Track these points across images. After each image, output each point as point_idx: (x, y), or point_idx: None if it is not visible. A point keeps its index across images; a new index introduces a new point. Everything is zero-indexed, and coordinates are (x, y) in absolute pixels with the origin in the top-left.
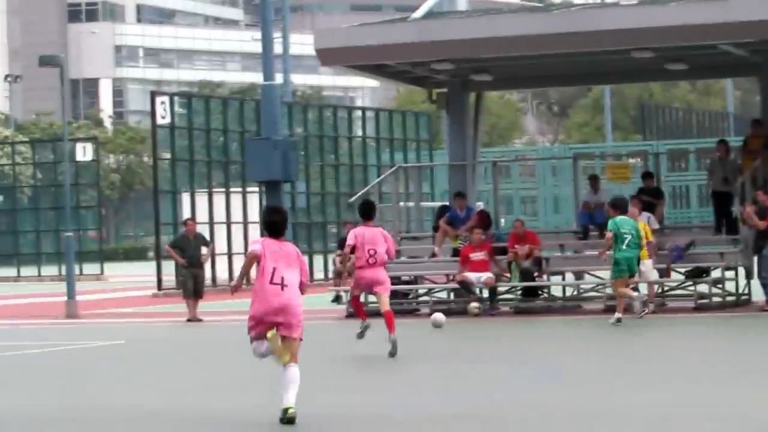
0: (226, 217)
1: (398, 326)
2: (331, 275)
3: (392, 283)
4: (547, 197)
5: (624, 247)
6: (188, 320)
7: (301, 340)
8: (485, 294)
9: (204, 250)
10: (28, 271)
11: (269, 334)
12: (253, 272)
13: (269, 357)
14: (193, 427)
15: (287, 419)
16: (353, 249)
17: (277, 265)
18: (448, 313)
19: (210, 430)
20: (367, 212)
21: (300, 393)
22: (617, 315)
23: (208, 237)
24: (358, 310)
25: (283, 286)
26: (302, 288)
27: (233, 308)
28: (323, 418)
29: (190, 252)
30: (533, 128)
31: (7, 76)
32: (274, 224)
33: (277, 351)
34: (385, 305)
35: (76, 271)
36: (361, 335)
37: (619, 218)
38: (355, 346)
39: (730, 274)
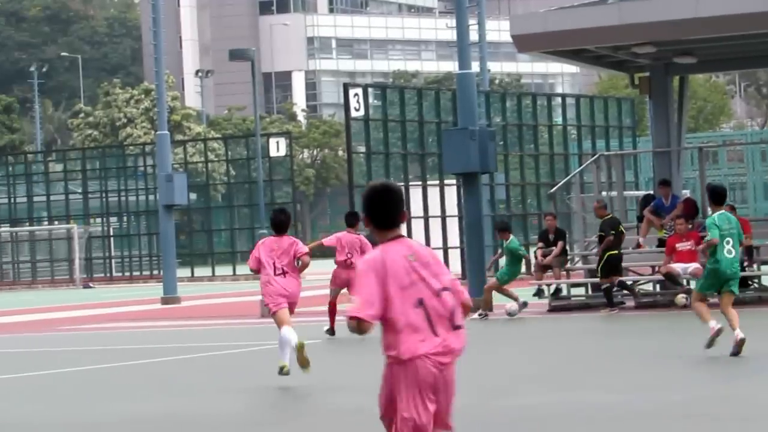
0: (424, 211)
1: (600, 320)
2: (533, 269)
3: (595, 275)
4: (757, 183)
5: None
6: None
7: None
8: (692, 285)
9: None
10: (222, 270)
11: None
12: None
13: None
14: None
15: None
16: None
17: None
18: (654, 305)
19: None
20: (349, 221)
21: (507, 388)
22: None
23: (404, 232)
24: (331, 317)
25: (284, 273)
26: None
27: None
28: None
29: None
30: (741, 111)
31: (198, 72)
32: (280, 223)
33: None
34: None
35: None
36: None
37: None
38: (556, 341)
39: None
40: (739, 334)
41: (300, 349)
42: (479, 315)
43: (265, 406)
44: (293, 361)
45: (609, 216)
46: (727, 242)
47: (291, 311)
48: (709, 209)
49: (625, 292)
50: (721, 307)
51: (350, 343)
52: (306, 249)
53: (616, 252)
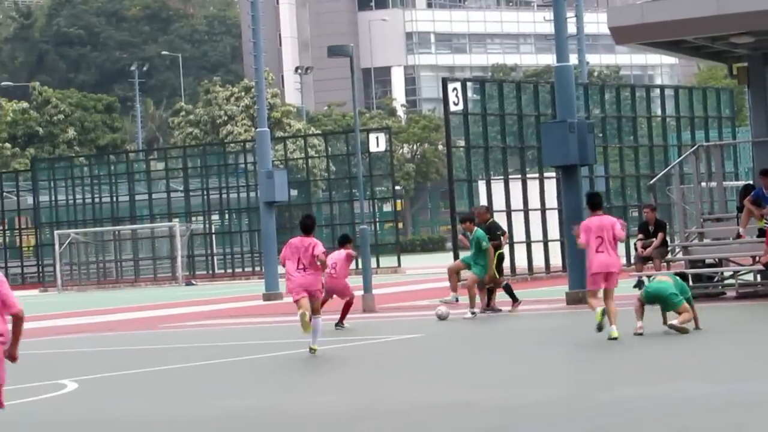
0: (524, 204)
1: (703, 311)
2: (633, 260)
3: (696, 266)
4: None
5: None
6: (483, 310)
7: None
8: None
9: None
10: None
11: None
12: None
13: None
14: (491, 419)
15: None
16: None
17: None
18: (754, 296)
19: (507, 420)
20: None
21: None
22: None
23: (504, 225)
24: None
25: (304, 269)
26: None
27: (535, 297)
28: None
29: None
30: None
31: (297, 68)
32: (306, 226)
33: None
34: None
35: (373, 264)
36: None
37: None
38: (657, 333)
39: None
40: None
41: (303, 317)
42: (472, 314)
43: (362, 401)
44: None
45: (491, 220)
46: None
47: (315, 298)
48: None
49: (727, 281)
50: None
51: (447, 341)
52: (323, 249)
53: (502, 251)
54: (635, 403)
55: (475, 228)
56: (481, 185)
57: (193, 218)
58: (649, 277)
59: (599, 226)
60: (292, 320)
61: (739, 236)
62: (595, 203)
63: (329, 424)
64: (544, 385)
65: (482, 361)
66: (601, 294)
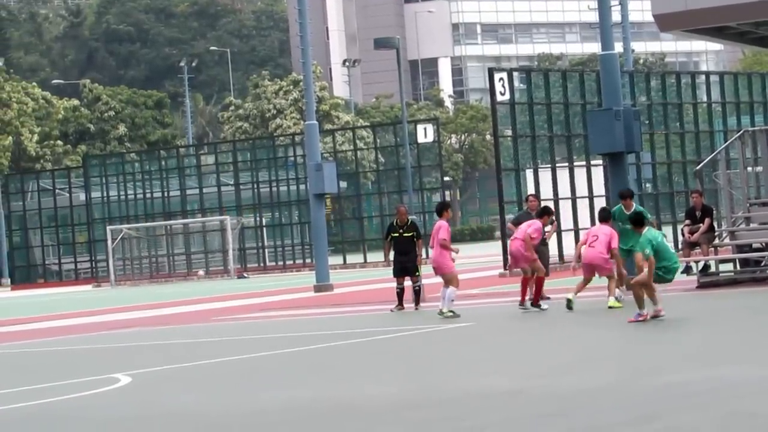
0: (571, 192)
1: (750, 295)
2: (680, 246)
3: (743, 251)
4: None
5: None
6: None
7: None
8: None
9: (548, 227)
10: (374, 256)
11: None
12: None
13: None
14: (545, 406)
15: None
16: None
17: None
18: None
19: (561, 407)
20: None
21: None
22: None
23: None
24: None
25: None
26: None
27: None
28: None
29: None
30: None
31: (345, 61)
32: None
33: None
34: None
35: (423, 254)
36: None
37: None
38: (706, 318)
39: None
40: None
41: None
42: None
43: (415, 390)
44: None
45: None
46: None
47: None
48: None
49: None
50: None
51: (498, 329)
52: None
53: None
54: (685, 388)
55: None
56: (529, 174)
57: (244, 211)
58: (696, 263)
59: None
60: (343, 311)
61: None
62: (603, 217)
63: (383, 413)
64: (595, 370)
65: (533, 348)
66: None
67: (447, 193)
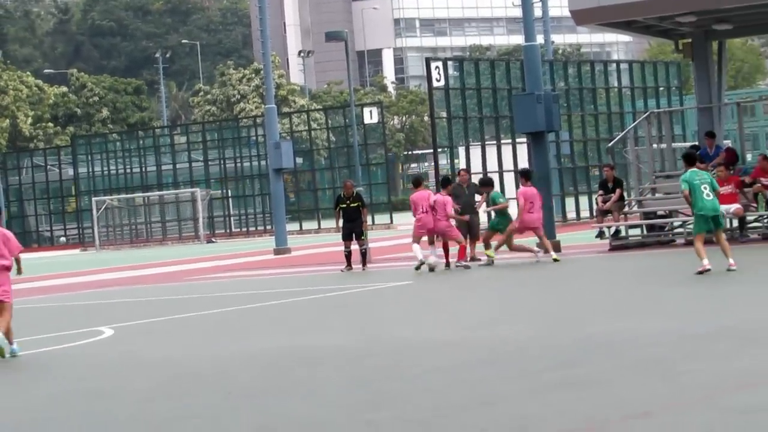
0: (498, 167)
1: (655, 256)
2: (594, 213)
3: (649, 218)
4: None
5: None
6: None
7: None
8: (734, 223)
9: (477, 197)
10: (327, 223)
11: None
12: None
13: None
14: (478, 354)
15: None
16: None
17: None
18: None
19: (493, 355)
20: None
21: (577, 318)
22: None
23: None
24: None
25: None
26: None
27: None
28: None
29: (463, 199)
30: None
31: (300, 52)
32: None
33: None
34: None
35: (369, 221)
36: None
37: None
38: (617, 276)
39: None
40: (732, 262)
41: None
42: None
43: (365, 340)
44: None
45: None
46: (704, 188)
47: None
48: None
49: (676, 230)
50: (718, 242)
51: (436, 286)
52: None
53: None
54: (601, 338)
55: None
56: (461, 151)
57: (212, 184)
58: (609, 228)
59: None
60: (299, 271)
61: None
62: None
63: (334, 361)
64: (522, 323)
65: (468, 304)
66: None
67: (389, 166)
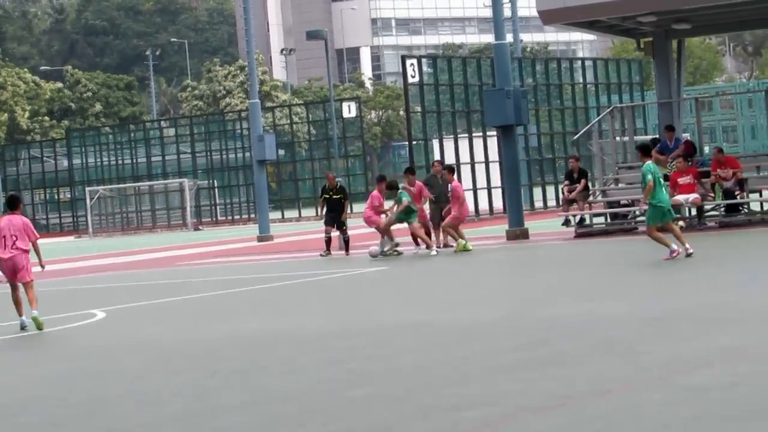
0: (470, 158)
1: (618, 243)
2: (561, 203)
3: (613, 207)
4: (745, 126)
5: None
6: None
7: None
8: (693, 212)
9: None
10: (308, 212)
11: None
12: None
13: None
14: (449, 335)
15: None
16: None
17: None
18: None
19: (462, 335)
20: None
21: (543, 301)
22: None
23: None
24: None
25: None
26: None
27: (481, 234)
28: (575, 319)
29: (437, 189)
30: (731, 67)
31: (282, 50)
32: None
33: None
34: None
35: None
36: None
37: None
38: (582, 262)
39: None
40: (689, 247)
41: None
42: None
43: (342, 322)
44: None
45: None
46: (661, 183)
47: None
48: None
49: (639, 219)
50: (672, 231)
51: (409, 272)
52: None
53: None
54: (566, 320)
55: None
56: (435, 143)
57: (199, 175)
58: (574, 216)
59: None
60: (281, 257)
61: None
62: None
63: (313, 342)
64: (490, 306)
65: (439, 288)
66: None
67: (367, 158)
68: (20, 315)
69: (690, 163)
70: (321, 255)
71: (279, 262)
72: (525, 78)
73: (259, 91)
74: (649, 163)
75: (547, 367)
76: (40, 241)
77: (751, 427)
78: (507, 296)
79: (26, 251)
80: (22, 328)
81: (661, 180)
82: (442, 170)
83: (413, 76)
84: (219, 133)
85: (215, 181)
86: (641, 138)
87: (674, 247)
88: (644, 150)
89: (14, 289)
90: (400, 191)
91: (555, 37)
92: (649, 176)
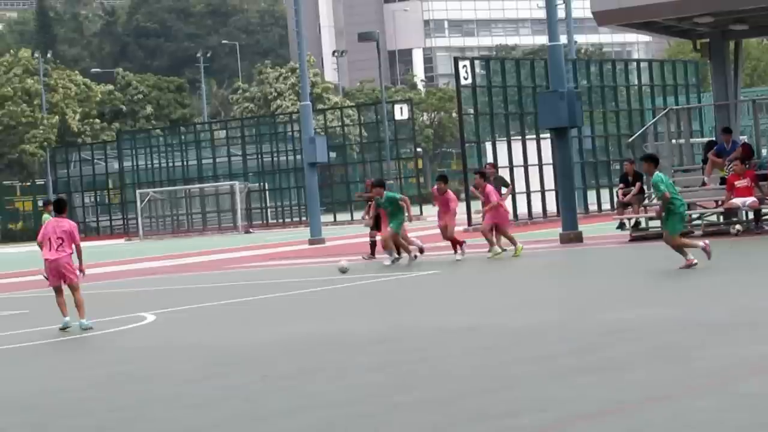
0: (523, 161)
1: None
2: (615, 206)
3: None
4: None
5: None
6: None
7: None
8: (750, 216)
9: (504, 189)
10: (360, 214)
11: None
12: None
13: None
14: (492, 339)
15: None
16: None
17: None
18: (717, 233)
19: (508, 341)
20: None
21: (599, 306)
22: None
23: (508, 179)
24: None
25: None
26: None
27: (534, 238)
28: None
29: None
30: None
31: (334, 52)
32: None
33: None
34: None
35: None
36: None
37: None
38: (636, 266)
39: None
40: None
41: None
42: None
43: (389, 327)
44: None
45: (498, 175)
46: (675, 189)
47: None
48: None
49: (695, 222)
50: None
51: (459, 277)
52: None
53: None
54: (618, 325)
55: (385, 192)
56: (488, 146)
57: (250, 177)
58: (629, 220)
59: None
60: (333, 261)
61: (704, 184)
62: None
63: (361, 346)
64: (540, 310)
65: (490, 292)
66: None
67: (419, 161)
68: (64, 315)
69: (747, 166)
70: (363, 258)
71: (331, 265)
72: (579, 80)
73: (310, 93)
74: (658, 173)
75: (600, 373)
76: (89, 244)
77: None
78: (560, 300)
79: (70, 254)
80: (64, 329)
81: (674, 187)
82: (494, 172)
83: (466, 78)
84: (270, 135)
85: (266, 183)
86: (697, 140)
87: (698, 247)
88: (653, 160)
89: (59, 293)
90: (377, 197)
91: (610, 38)
92: (662, 186)
